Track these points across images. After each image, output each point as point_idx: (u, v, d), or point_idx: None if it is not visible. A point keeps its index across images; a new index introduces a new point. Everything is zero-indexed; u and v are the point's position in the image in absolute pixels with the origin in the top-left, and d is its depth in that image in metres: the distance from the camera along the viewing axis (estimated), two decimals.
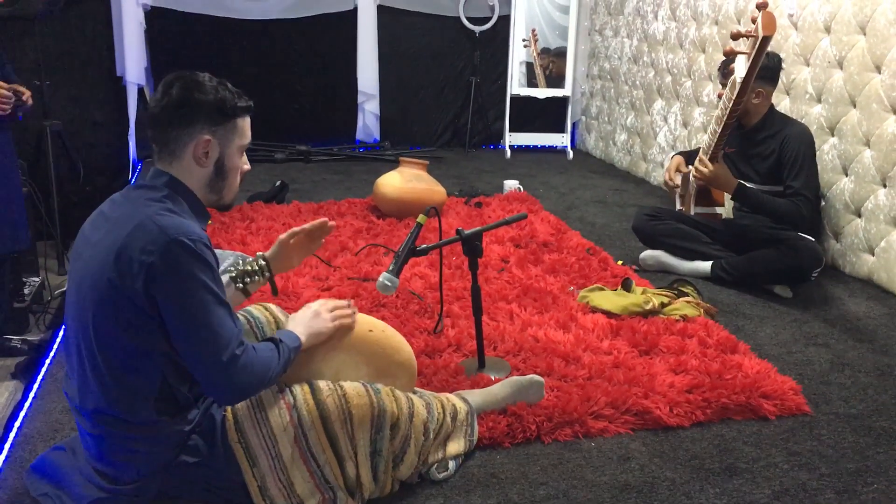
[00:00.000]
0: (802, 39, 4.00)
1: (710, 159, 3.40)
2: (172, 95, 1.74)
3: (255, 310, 2.12)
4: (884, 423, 2.44)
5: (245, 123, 1.84)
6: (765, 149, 3.50)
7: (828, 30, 3.85)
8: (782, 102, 4.11)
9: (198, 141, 1.76)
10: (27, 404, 2.47)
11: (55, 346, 2.90)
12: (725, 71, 3.52)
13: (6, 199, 3.09)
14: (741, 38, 3.00)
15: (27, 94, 3.13)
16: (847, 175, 3.74)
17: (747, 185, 3.46)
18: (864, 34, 3.63)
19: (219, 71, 1.84)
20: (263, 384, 1.78)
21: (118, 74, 5.64)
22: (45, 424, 2.33)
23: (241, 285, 2.07)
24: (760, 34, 2.87)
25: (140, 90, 5.74)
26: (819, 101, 3.90)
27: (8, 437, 2.29)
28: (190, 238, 1.66)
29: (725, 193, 3.59)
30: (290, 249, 2.16)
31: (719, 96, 3.41)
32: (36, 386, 2.60)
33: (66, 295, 1.83)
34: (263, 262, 2.11)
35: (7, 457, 2.17)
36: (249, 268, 2.09)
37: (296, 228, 2.15)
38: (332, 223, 2.18)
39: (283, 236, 2.13)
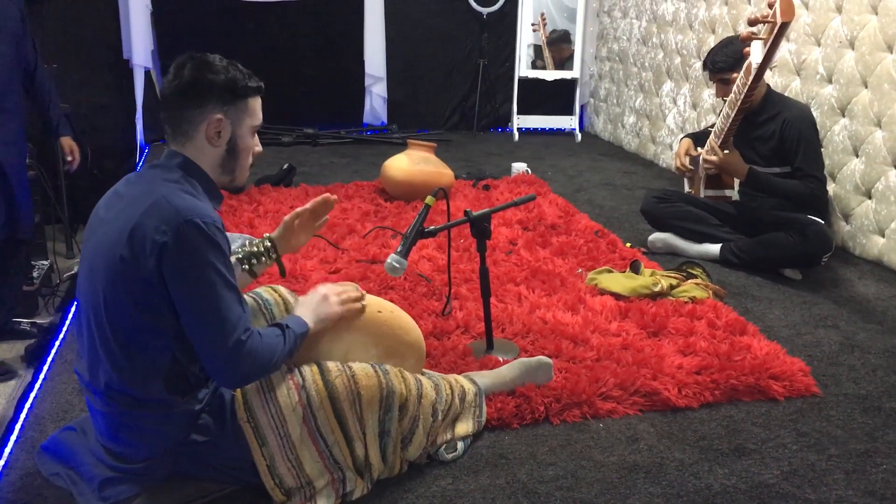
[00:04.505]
0: (814, 19, 3.96)
1: (720, 146, 3.38)
2: (184, 76, 1.75)
3: (264, 291, 2.11)
4: (893, 405, 2.43)
5: (256, 104, 1.85)
6: (765, 131, 3.47)
7: (839, 9, 3.81)
8: (792, 84, 4.08)
9: (210, 121, 1.77)
10: (37, 386, 2.49)
11: (64, 329, 2.92)
12: (713, 68, 3.49)
13: (11, 184, 3.07)
14: (758, 24, 2.98)
15: (75, 155, 3.37)
16: (858, 156, 3.71)
17: (758, 169, 3.44)
18: (876, 14, 3.59)
19: (225, 54, 1.84)
20: (267, 370, 1.78)
21: (125, 57, 5.64)
22: (56, 405, 2.34)
23: (247, 267, 2.08)
24: (779, 20, 2.83)
25: (147, 73, 5.74)
26: (830, 81, 3.86)
27: (18, 417, 2.31)
28: (203, 220, 1.67)
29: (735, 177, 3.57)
30: (296, 229, 2.17)
31: (723, 98, 3.41)
32: (46, 368, 2.61)
33: (79, 272, 1.83)
34: (269, 244, 2.13)
35: (18, 437, 2.18)
36: (256, 249, 2.10)
37: (300, 209, 2.16)
38: (333, 197, 2.19)
39: (287, 217, 2.15)
